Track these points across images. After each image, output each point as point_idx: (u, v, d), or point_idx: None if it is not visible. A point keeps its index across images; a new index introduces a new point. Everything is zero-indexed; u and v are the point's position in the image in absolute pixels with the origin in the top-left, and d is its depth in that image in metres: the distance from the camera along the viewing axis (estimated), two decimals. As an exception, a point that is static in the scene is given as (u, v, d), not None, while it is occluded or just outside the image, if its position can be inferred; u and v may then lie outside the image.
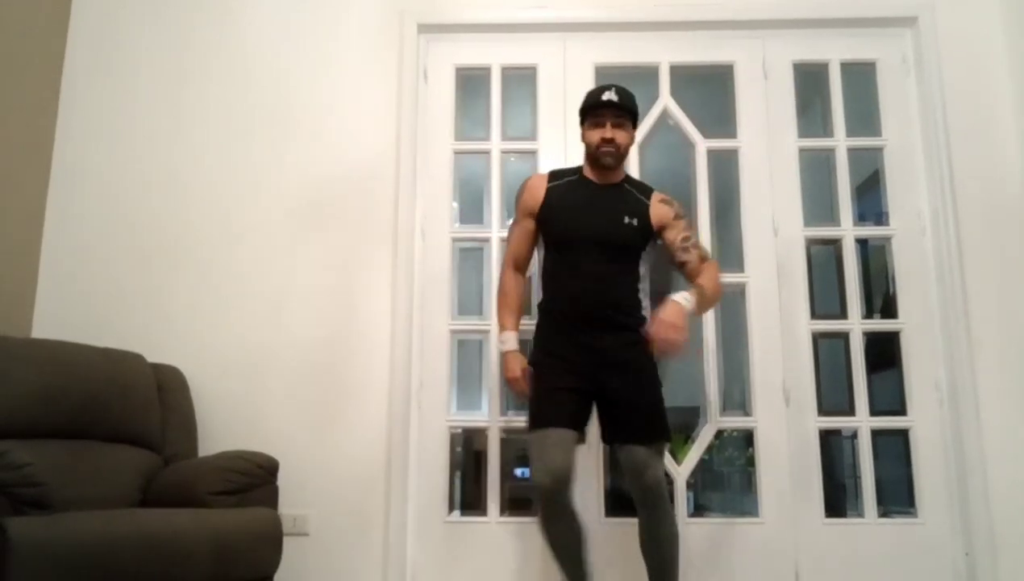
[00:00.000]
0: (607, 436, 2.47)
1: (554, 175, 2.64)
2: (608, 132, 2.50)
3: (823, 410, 3.05)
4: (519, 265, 2.66)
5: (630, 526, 2.97)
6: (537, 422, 2.40)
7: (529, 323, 2.68)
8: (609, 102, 2.49)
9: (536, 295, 2.74)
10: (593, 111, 2.53)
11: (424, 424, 3.05)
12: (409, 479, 2.99)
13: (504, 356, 2.58)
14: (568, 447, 2.35)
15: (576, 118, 3.20)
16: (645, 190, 2.62)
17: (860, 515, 3.01)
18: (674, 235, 2.54)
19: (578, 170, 2.63)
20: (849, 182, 3.22)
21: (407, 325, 3.06)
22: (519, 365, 2.53)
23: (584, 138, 2.58)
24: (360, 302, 3.09)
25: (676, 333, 2.27)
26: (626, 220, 2.51)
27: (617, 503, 3.08)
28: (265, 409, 3.01)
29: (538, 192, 2.59)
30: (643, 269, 2.58)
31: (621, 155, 2.55)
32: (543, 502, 2.35)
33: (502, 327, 2.61)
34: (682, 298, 2.34)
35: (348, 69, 3.27)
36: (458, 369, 3.25)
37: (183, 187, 3.20)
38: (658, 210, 2.56)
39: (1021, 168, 3.11)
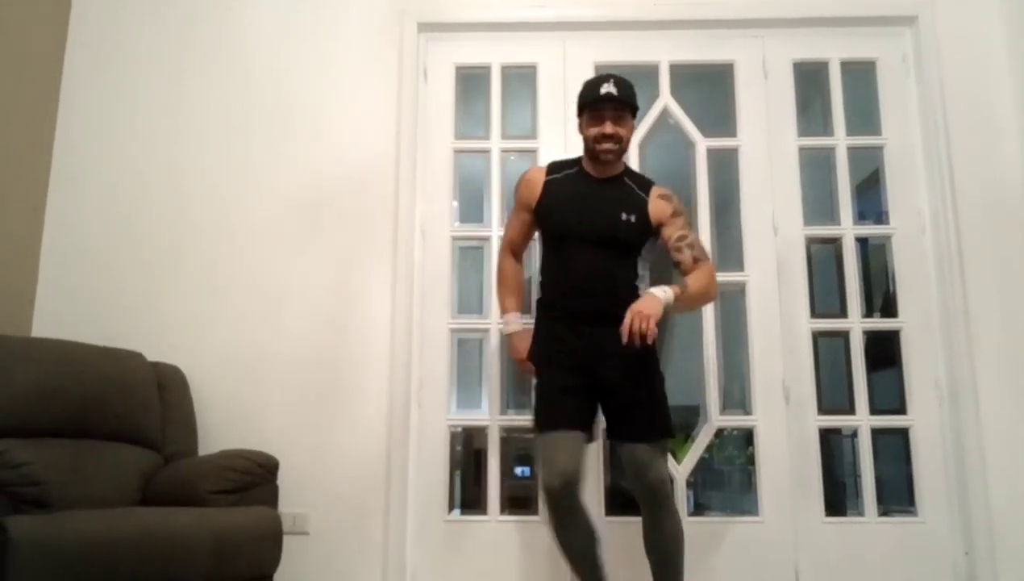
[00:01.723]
0: (610, 432, 2.47)
1: (553, 168, 2.58)
2: (608, 128, 2.42)
3: (823, 409, 3.05)
4: (515, 252, 2.65)
5: (631, 525, 2.97)
6: (544, 425, 2.38)
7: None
8: (608, 96, 2.42)
9: (535, 292, 2.73)
10: (592, 105, 2.46)
11: (424, 423, 3.06)
12: (409, 478, 2.99)
13: (509, 338, 2.57)
14: (576, 449, 2.34)
15: (575, 118, 3.21)
16: (644, 184, 2.55)
17: (860, 514, 3.01)
18: (670, 233, 2.46)
19: (577, 162, 2.57)
20: (849, 181, 3.22)
21: (407, 324, 3.06)
22: (526, 345, 2.51)
23: (583, 132, 2.50)
24: (360, 301, 3.09)
25: (641, 320, 2.15)
26: (624, 217, 2.44)
27: (617, 502, 3.08)
28: (265, 408, 3.01)
29: (536, 186, 2.54)
30: (642, 267, 2.52)
31: (622, 150, 2.49)
32: (553, 506, 2.32)
33: (504, 310, 2.59)
34: (660, 291, 2.27)
35: (348, 68, 3.27)
36: (458, 368, 3.25)
37: (183, 186, 3.20)
38: (656, 206, 2.48)
39: (1021, 167, 3.11)
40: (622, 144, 2.47)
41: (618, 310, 2.37)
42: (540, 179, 2.55)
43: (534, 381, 2.54)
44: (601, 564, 2.43)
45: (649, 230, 2.48)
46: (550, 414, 2.39)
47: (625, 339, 2.17)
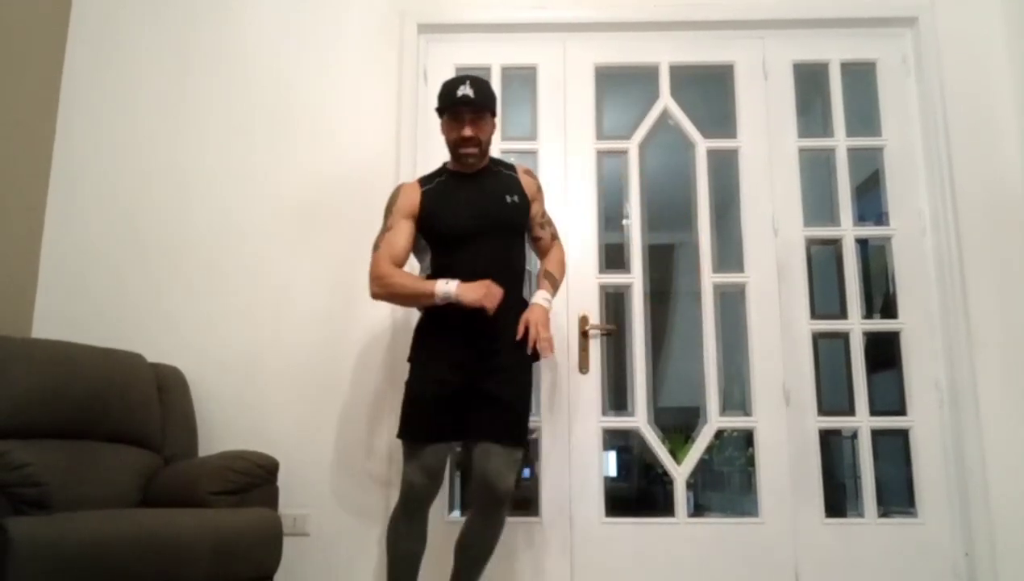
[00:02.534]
0: (468, 431, 2.38)
1: (423, 181, 2.58)
2: (467, 131, 2.44)
3: (823, 410, 3.05)
4: (398, 263, 2.46)
5: (630, 526, 2.99)
6: (407, 435, 2.39)
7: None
8: (464, 99, 2.43)
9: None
10: (450, 108, 2.46)
11: (424, 424, 3.05)
12: (409, 479, 2.99)
13: (465, 290, 2.31)
14: (442, 455, 2.38)
15: (575, 119, 3.23)
16: (509, 166, 2.61)
17: (860, 515, 3.01)
18: (535, 209, 2.55)
19: (443, 170, 2.59)
20: (849, 182, 3.22)
21: (407, 325, 3.05)
22: (482, 284, 2.32)
23: (444, 133, 2.52)
24: (360, 302, 3.07)
25: (542, 330, 2.34)
26: (508, 199, 2.48)
27: (616, 504, 3.08)
28: (265, 409, 3.01)
29: (414, 196, 2.50)
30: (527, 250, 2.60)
31: (484, 151, 2.51)
32: (408, 501, 2.37)
33: (426, 287, 2.36)
34: (543, 299, 2.41)
35: (348, 69, 3.27)
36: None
37: (183, 187, 3.20)
38: (527, 182, 2.56)
39: (1021, 168, 3.11)
40: (482, 145, 2.49)
41: (512, 302, 2.42)
42: (417, 191, 2.53)
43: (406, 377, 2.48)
44: (416, 578, 2.44)
45: (529, 206, 2.55)
46: (414, 425, 2.38)
47: (530, 351, 2.36)
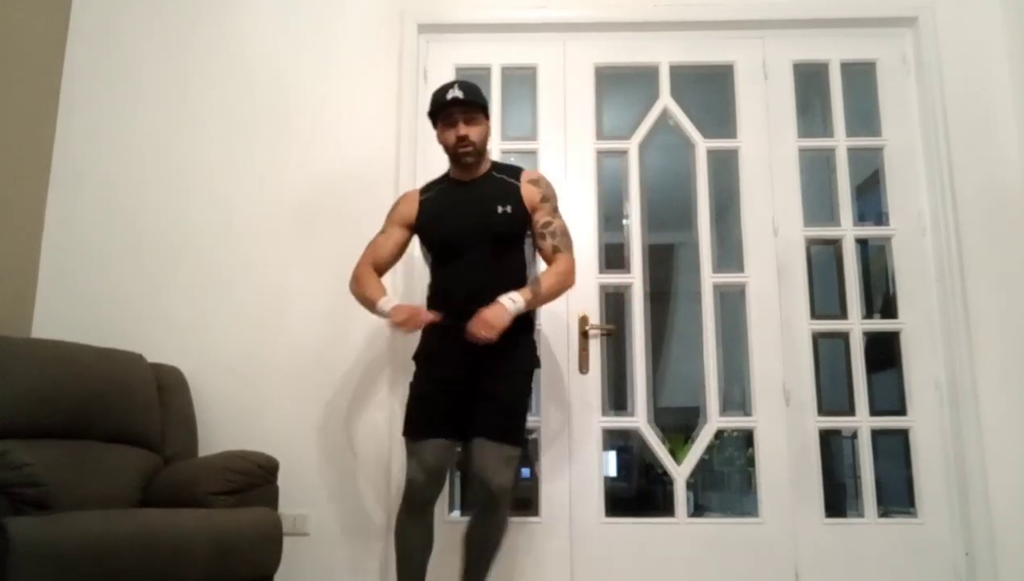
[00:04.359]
0: (467, 431, 2.41)
1: (424, 189, 2.62)
2: (461, 130, 2.46)
3: (823, 410, 3.05)
4: (378, 269, 2.56)
5: (630, 526, 2.99)
6: (410, 432, 2.43)
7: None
8: (455, 100, 2.46)
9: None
10: (442, 112, 2.50)
11: (424, 424, 3.05)
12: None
13: (393, 312, 2.37)
14: (443, 451, 2.38)
15: (575, 119, 3.23)
16: (514, 172, 2.57)
17: (860, 515, 3.01)
18: (537, 218, 2.49)
19: (445, 176, 2.61)
20: (849, 182, 3.22)
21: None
22: (409, 307, 2.40)
23: (440, 140, 2.54)
24: (360, 302, 3.09)
25: (488, 331, 2.25)
26: (499, 209, 2.46)
27: (616, 504, 3.08)
28: (265, 409, 3.01)
29: (412, 205, 2.57)
30: (529, 254, 2.53)
31: (479, 150, 2.52)
32: (411, 498, 2.38)
33: (376, 298, 2.44)
34: (509, 300, 2.31)
35: (348, 69, 3.27)
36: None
37: (183, 187, 3.20)
38: (528, 191, 2.51)
39: (1021, 168, 3.11)
40: (477, 145, 2.50)
41: None
42: (416, 199, 2.59)
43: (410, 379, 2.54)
44: (424, 575, 2.44)
45: (527, 216, 2.50)
46: (417, 421, 2.43)
47: (471, 338, 2.27)
